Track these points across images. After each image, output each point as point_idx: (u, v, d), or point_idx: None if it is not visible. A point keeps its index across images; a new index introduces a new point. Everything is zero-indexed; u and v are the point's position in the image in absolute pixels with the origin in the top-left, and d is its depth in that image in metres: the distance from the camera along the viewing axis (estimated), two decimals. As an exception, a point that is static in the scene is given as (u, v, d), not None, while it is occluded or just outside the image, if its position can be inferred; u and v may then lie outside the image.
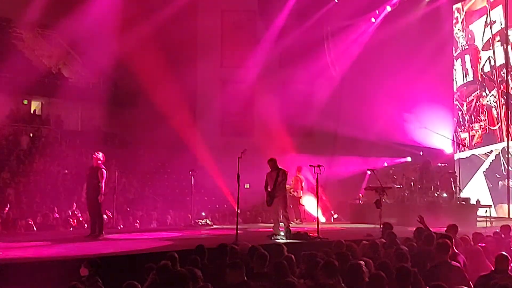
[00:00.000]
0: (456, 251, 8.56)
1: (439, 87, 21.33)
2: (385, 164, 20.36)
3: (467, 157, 20.06)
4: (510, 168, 18.56)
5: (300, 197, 18.56)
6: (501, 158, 18.92)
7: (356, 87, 21.90)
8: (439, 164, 19.09)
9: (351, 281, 6.92)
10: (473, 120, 20.12)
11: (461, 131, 20.63)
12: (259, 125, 24.58)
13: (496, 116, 19.06)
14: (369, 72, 21.58)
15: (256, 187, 16.29)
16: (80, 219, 17.17)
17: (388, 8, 21.48)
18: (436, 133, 19.64)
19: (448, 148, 20.69)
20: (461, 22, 20.81)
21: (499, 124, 18.84)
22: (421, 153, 19.92)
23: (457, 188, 18.08)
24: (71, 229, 16.42)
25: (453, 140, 20.23)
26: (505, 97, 18.46)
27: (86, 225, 16.04)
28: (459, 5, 21.09)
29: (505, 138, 18.67)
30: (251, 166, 16.03)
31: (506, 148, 18.72)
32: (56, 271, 8.78)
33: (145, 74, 23.10)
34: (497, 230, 11.52)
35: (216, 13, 25.24)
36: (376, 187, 14.62)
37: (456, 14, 20.72)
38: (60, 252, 10.63)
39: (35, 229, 15.79)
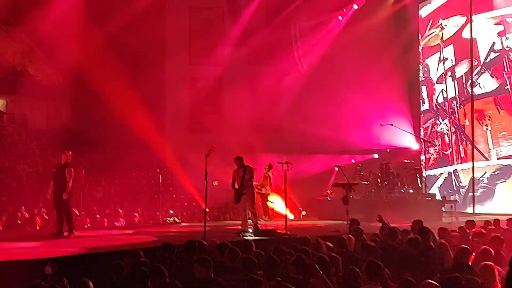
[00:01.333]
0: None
1: (405, 86, 21.65)
2: (353, 161, 20.54)
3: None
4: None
5: (269, 194, 18.61)
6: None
7: (323, 84, 22.02)
8: (406, 161, 19.33)
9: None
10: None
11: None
12: (228, 122, 24.56)
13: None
14: (337, 70, 21.72)
15: (224, 185, 16.30)
16: (46, 217, 16.98)
17: (355, 6, 21.61)
18: (402, 129, 19.85)
19: (414, 145, 20.94)
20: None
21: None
22: (388, 150, 20.13)
23: (423, 184, 18.31)
24: (37, 228, 16.22)
25: (418, 136, 20.48)
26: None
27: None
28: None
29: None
30: (219, 163, 16.07)
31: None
32: (21, 271, 8.69)
33: (112, 72, 22.91)
34: (462, 226, 11.72)
35: (184, 10, 25.11)
36: (344, 183, 14.75)
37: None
38: (26, 251, 10.51)
39: (0, 228, 15.57)
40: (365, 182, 18.58)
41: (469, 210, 19.29)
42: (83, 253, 10.12)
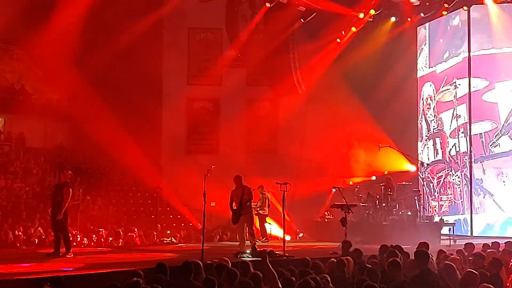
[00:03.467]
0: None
1: (405, 104, 21.75)
2: (350, 183, 20.51)
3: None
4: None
5: (267, 215, 18.56)
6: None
7: (321, 107, 22.08)
8: (404, 183, 19.32)
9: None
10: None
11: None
12: (224, 143, 24.59)
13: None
14: (334, 93, 21.80)
15: (222, 205, 16.24)
16: (43, 237, 16.90)
17: (353, 29, 21.75)
18: (400, 152, 19.91)
19: (412, 167, 20.96)
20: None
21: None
22: (386, 172, 20.13)
23: (421, 206, 18.29)
24: (34, 247, 16.12)
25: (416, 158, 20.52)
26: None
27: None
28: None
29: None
30: (216, 184, 16.03)
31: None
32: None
33: (109, 91, 22.96)
34: (461, 249, 11.68)
35: (182, 30, 25.26)
36: (342, 204, 14.71)
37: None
38: (22, 270, 10.44)
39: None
40: (363, 204, 18.55)
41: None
42: (81, 273, 10.05)
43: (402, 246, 10.87)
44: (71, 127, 25.83)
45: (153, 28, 23.27)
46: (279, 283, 7.68)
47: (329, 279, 7.92)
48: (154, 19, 23.22)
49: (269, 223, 18.88)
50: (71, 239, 13.63)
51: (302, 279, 7.41)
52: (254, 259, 12.44)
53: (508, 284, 8.97)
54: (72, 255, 12.64)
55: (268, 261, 8.40)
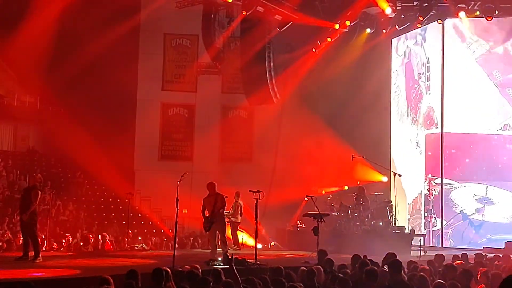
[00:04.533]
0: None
1: (379, 114, 21.95)
2: (323, 192, 20.56)
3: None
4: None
5: (239, 223, 18.53)
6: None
7: (296, 117, 22.15)
8: (376, 193, 19.43)
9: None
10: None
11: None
12: (199, 150, 24.50)
13: None
14: (309, 102, 21.89)
15: (194, 212, 16.19)
16: (11, 241, 16.64)
17: (329, 39, 21.87)
18: (374, 162, 20.04)
19: (384, 178, 21.09)
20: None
21: None
22: (358, 182, 20.16)
23: (393, 217, 18.41)
24: (2, 251, 15.88)
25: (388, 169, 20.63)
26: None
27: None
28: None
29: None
30: (189, 191, 15.97)
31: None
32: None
33: (82, 95, 22.76)
34: (431, 259, 11.79)
35: (158, 36, 25.15)
36: (314, 213, 14.73)
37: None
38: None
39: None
40: (336, 214, 18.62)
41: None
42: (50, 277, 9.93)
43: (374, 256, 10.93)
44: (43, 130, 25.52)
45: (129, 33, 23.11)
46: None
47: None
48: (130, 25, 23.10)
49: (241, 231, 18.85)
50: (40, 243, 13.44)
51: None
52: (225, 267, 12.41)
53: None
54: (41, 260, 12.48)
55: (233, 265, 8.41)
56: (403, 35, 22.29)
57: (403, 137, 22.36)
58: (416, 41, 22.15)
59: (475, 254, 12.85)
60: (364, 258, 10.18)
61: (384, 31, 21.52)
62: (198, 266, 9.47)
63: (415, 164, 21.47)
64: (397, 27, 21.28)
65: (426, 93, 21.44)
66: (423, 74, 21.68)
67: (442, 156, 20.31)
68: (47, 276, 10.21)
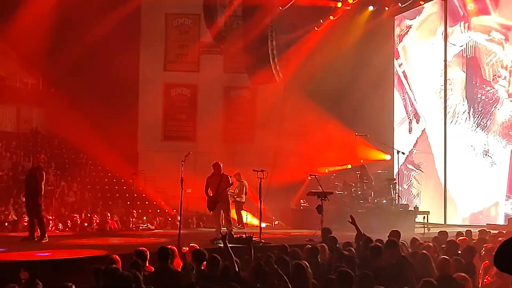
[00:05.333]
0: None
1: (379, 92, 21.87)
2: (326, 171, 20.59)
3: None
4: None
5: (243, 202, 18.61)
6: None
7: (299, 97, 22.11)
8: (379, 171, 19.47)
9: (296, 282, 7.03)
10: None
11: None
12: (202, 130, 24.54)
13: None
14: (312, 81, 21.83)
15: (197, 192, 16.24)
16: (16, 221, 16.77)
17: (331, 18, 21.78)
18: (377, 140, 20.03)
19: (387, 156, 21.10)
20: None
21: None
22: (362, 160, 20.17)
23: (396, 194, 18.46)
24: (7, 232, 15.99)
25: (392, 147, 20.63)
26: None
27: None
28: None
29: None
30: (192, 170, 15.99)
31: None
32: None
33: (84, 76, 22.77)
34: (436, 236, 11.85)
35: (160, 16, 25.07)
36: (318, 192, 14.77)
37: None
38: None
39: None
40: (339, 192, 18.67)
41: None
42: (56, 258, 10.00)
43: (378, 234, 11.00)
44: (45, 112, 25.58)
45: (130, 14, 23.10)
46: (235, 265, 7.76)
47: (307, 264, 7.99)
48: (131, 5, 23.05)
49: (245, 211, 18.94)
50: (46, 224, 13.53)
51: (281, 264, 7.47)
52: (231, 245, 12.48)
53: (481, 272, 9.13)
54: (47, 240, 12.56)
55: (226, 242, 8.48)
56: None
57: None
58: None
59: (478, 231, 12.91)
60: (364, 235, 10.25)
61: (386, 8, 21.44)
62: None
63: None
64: (399, 4, 21.16)
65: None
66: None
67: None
68: (53, 256, 10.28)
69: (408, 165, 21.77)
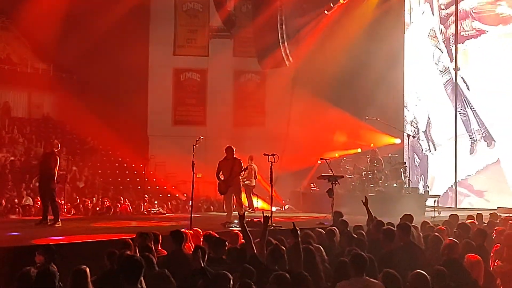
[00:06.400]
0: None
1: (389, 77, 21.74)
2: (336, 155, 20.59)
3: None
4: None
5: (253, 186, 18.65)
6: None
7: (308, 81, 22.09)
8: (389, 155, 19.44)
9: (306, 265, 7.08)
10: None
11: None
12: (211, 115, 24.59)
13: None
14: (321, 65, 21.74)
15: (208, 177, 16.31)
16: (29, 206, 16.93)
17: (341, 1, 21.68)
18: (387, 124, 19.96)
19: (397, 140, 21.07)
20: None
21: None
22: (372, 144, 20.15)
23: (407, 178, 18.46)
24: (20, 216, 16.15)
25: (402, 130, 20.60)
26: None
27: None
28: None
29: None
30: (203, 155, 16.01)
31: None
32: (9, 258, 8.69)
33: (95, 62, 22.82)
34: (447, 219, 11.88)
35: (169, 1, 25.05)
36: (329, 176, 14.78)
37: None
38: (12, 238, 10.49)
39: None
40: (350, 176, 18.69)
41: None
42: (71, 241, 10.12)
43: (388, 217, 11.04)
44: (56, 97, 25.74)
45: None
46: (253, 247, 7.80)
47: (321, 248, 8.04)
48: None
49: (256, 195, 18.98)
50: (59, 208, 13.64)
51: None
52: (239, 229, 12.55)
53: (492, 254, 9.15)
54: (60, 224, 12.68)
55: (244, 224, 8.51)
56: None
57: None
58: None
59: (489, 214, 12.91)
60: (375, 218, 10.28)
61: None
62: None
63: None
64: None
65: None
66: None
67: None
68: (67, 240, 10.39)
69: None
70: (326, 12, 22.07)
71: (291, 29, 21.98)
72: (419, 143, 21.63)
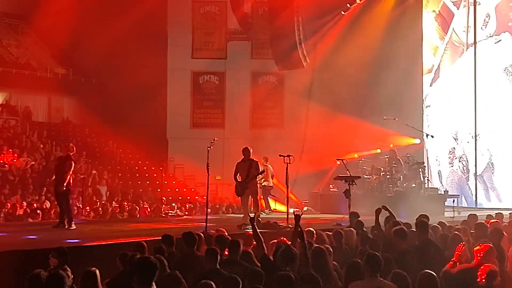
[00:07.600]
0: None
1: (407, 81, 21.58)
2: (355, 156, 20.49)
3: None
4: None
5: (271, 187, 18.63)
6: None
7: (326, 83, 22.01)
8: (408, 155, 19.27)
9: (315, 265, 7.05)
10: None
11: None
12: (230, 117, 24.60)
13: None
14: (338, 66, 21.63)
15: (228, 179, 16.31)
16: (48, 210, 17.05)
17: (358, 1, 21.56)
18: (406, 124, 19.80)
19: (416, 140, 20.91)
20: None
21: None
22: (391, 145, 20.01)
23: (426, 178, 18.31)
24: (39, 219, 16.27)
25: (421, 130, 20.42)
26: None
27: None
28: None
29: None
30: (222, 158, 16.03)
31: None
32: (24, 261, 8.76)
33: (113, 66, 23.00)
34: (466, 219, 11.75)
35: (186, 3, 25.11)
36: (346, 176, 14.72)
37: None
38: (28, 242, 10.56)
39: (2, 220, 15.66)
40: (368, 177, 18.58)
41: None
42: (85, 244, 10.17)
43: (406, 218, 10.95)
44: (76, 101, 25.95)
45: (157, 3, 23.21)
46: (264, 248, 7.78)
47: (331, 249, 8.00)
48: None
49: (273, 196, 18.95)
50: (75, 212, 13.73)
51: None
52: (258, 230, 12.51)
53: (509, 254, 9.01)
54: (74, 228, 12.74)
55: (254, 225, 8.50)
56: None
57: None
58: None
59: (509, 214, 12.75)
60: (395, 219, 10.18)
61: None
62: (224, 230, 9.66)
63: None
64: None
65: None
66: None
67: None
68: (82, 242, 10.45)
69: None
70: (342, 12, 21.96)
71: (308, 30, 21.89)
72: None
